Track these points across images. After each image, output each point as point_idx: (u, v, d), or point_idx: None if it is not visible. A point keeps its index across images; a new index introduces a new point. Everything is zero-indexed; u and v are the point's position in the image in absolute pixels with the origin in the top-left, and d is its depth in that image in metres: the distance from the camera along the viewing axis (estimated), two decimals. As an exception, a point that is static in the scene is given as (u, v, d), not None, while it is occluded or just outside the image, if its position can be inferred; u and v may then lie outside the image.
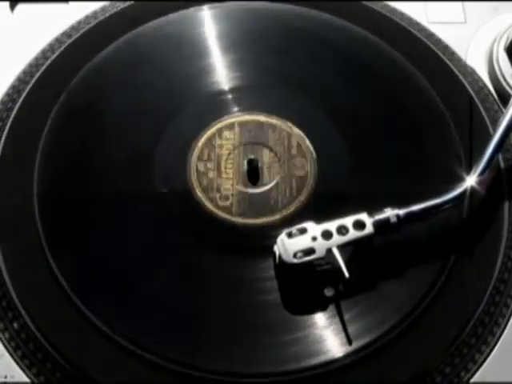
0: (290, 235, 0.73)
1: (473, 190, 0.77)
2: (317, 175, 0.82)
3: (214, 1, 0.94)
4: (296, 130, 0.85)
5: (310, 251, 0.72)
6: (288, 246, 0.72)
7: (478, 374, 0.74)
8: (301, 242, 0.73)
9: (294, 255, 0.72)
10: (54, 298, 0.74)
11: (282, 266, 0.74)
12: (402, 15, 0.95)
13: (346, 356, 0.72)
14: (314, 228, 0.73)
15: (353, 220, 0.73)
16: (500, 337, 0.75)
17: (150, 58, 0.90)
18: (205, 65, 0.89)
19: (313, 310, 0.74)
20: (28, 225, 0.78)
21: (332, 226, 0.73)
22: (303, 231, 0.73)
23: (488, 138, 0.79)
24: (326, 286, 0.75)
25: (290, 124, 0.85)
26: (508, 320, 0.76)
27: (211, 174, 0.82)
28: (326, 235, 0.73)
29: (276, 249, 0.74)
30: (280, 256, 0.73)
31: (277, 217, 0.79)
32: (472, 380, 0.73)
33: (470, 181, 0.77)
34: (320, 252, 0.72)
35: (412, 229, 0.76)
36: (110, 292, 0.75)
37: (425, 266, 0.77)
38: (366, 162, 0.83)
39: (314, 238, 0.73)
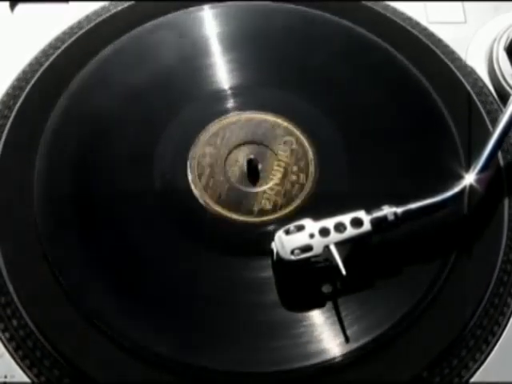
0: (287, 232, 0.73)
1: (472, 188, 0.77)
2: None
3: (214, 1, 0.94)
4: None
5: (308, 248, 0.72)
6: (285, 242, 0.72)
7: (478, 374, 0.73)
8: (298, 239, 0.73)
9: (292, 252, 0.72)
10: (54, 297, 0.74)
11: (280, 263, 0.74)
12: (401, 15, 0.95)
13: (345, 355, 0.72)
14: (311, 225, 0.73)
15: (350, 217, 0.73)
16: (499, 338, 0.75)
17: (150, 58, 0.90)
18: (205, 64, 0.89)
19: (311, 309, 0.74)
20: (28, 225, 0.78)
21: (329, 223, 0.73)
22: (301, 228, 0.73)
23: (487, 136, 0.79)
24: (323, 284, 0.75)
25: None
26: (507, 321, 0.76)
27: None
28: (324, 232, 0.73)
29: (273, 245, 0.74)
30: (277, 253, 0.73)
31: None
32: (472, 380, 0.73)
33: (469, 179, 0.77)
34: (317, 249, 0.72)
35: (411, 227, 0.75)
36: (110, 291, 0.75)
37: (424, 264, 0.77)
38: (365, 160, 0.83)
39: (312, 235, 0.72)
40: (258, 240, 0.78)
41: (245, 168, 0.82)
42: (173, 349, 0.72)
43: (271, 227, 0.78)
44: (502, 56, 0.91)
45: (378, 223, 0.73)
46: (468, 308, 0.75)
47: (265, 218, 0.79)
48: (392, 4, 0.96)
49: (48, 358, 0.72)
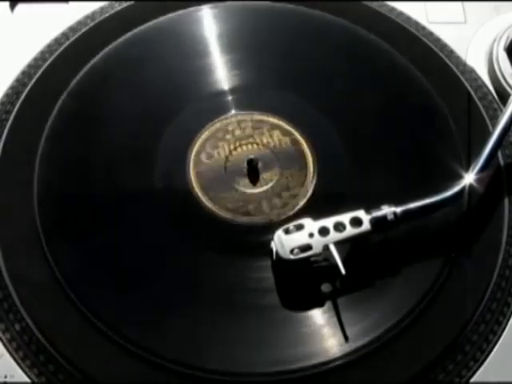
0: (287, 231, 0.73)
1: (472, 187, 0.77)
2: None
3: (214, 1, 0.94)
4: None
5: (307, 248, 0.72)
6: (285, 242, 0.72)
7: (478, 373, 0.73)
8: (298, 239, 0.72)
9: (291, 251, 0.72)
10: (55, 298, 0.74)
11: (279, 263, 0.74)
12: (401, 15, 0.95)
13: (345, 355, 0.72)
14: (311, 224, 0.73)
15: (350, 217, 0.73)
16: (500, 337, 0.75)
17: (150, 58, 0.90)
18: (205, 64, 0.89)
19: (311, 309, 0.74)
20: (28, 225, 0.78)
21: (329, 222, 0.73)
22: (300, 227, 0.73)
23: (487, 136, 0.79)
24: (323, 284, 0.75)
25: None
26: (509, 318, 0.76)
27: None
28: (323, 232, 0.73)
29: (273, 245, 0.74)
30: (277, 252, 0.73)
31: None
32: (472, 380, 0.73)
33: (469, 178, 0.77)
34: (317, 248, 0.72)
35: (411, 227, 0.75)
36: (111, 292, 0.75)
37: (424, 264, 0.77)
38: (365, 160, 0.83)
39: (311, 235, 0.72)
40: (258, 239, 0.78)
41: (245, 168, 0.82)
42: (173, 349, 0.72)
43: (271, 227, 0.77)
44: (502, 56, 0.91)
45: (377, 223, 0.73)
46: (468, 307, 0.75)
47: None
48: (392, 4, 0.96)
49: (49, 358, 0.72)
